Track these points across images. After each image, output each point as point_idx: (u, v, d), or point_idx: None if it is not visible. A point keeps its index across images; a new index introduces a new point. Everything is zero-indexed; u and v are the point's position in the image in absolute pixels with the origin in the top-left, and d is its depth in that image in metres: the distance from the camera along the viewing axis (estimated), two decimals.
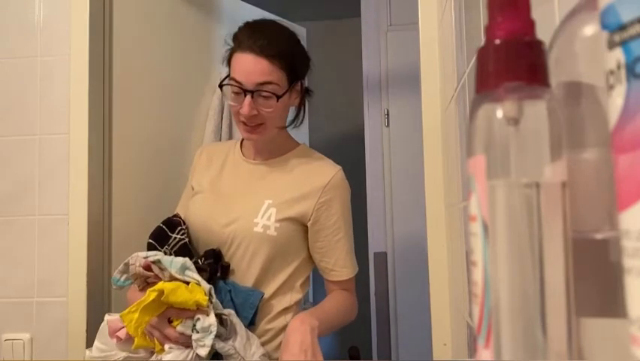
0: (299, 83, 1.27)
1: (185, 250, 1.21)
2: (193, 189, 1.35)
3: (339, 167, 1.30)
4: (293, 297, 1.26)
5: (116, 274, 1.17)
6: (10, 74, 1.53)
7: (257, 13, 2.12)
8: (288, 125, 1.32)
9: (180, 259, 1.12)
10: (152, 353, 1.12)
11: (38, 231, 1.49)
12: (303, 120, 1.34)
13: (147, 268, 1.13)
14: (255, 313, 1.19)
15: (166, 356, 1.08)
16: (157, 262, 1.12)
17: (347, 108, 3.08)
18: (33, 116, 1.52)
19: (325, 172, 1.27)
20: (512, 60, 0.35)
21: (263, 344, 1.20)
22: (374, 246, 2.44)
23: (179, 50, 1.81)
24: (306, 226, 1.26)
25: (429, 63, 1.39)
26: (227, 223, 1.24)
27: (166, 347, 1.09)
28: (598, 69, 0.31)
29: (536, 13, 0.36)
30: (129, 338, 1.13)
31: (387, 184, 2.43)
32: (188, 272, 1.11)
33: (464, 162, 0.77)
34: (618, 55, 0.27)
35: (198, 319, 1.06)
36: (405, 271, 2.37)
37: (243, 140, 1.38)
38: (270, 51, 1.18)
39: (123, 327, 1.13)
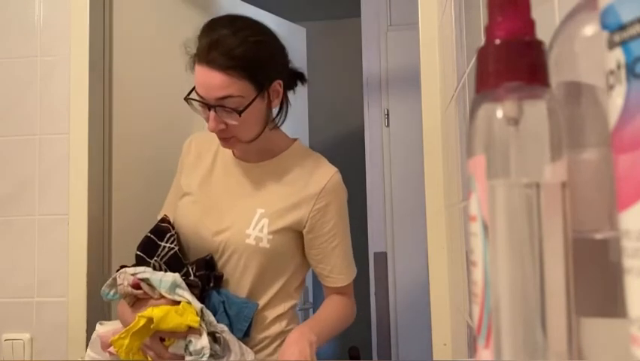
0: (275, 84, 1.16)
1: (175, 259, 1.15)
2: (182, 188, 1.28)
3: (335, 169, 1.24)
4: (288, 303, 1.23)
5: (104, 288, 1.15)
6: (11, 74, 1.53)
7: (257, 14, 2.12)
8: (267, 125, 1.20)
9: (170, 277, 1.08)
10: None
11: (38, 231, 1.49)
12: (284, 119, 1.25)
13: (136, 286, 1.09)
14: (250, 325, 1.15)
15: None
16: (146, 280, 1.09)
17: (347, 108, 3.08)
18: (33, 116, 1.52)
19: (321, 176, 1.21)
20: (512, 60, 0.35)
21: (258, 352, 1.18)
22: (374, 246, 2.44)
23: (179, 50, 1.81)
24: (301, 232, 1.21)
25: (429, 63, 1.39)
26: (218, 231, 1.18)
27: None
28: (598, 69, 0.31)
29: (536, 13, 0.36)
30: None
31: (387, 184, 2.43)
32: (178, 290, 1.08)
33: (464, 162, 0.77)
34: (618, 55, 0.27)
35: (190, 341, 1.04)
36: (405, 271, 2.37)
37: None
38: (225, 63, 1.07)
39: None
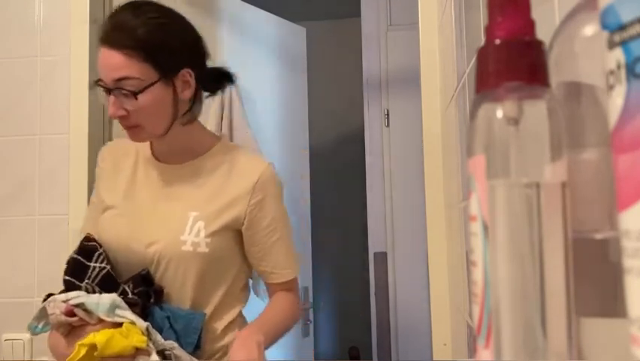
0: (184, 73, 1.09)
1: (108, 279, 1.07)
2: (103, 202, 1.18)
3: (267, 162, 1.18)
4: (235, 309, 1.18)
5: (32, 322, 1.05)
6: (11, 74, 1.53)
7: (257, 13, 2.12)
8: (176, 120, 1.12)
9: (108, 298, 1.00)
10: None
11: (38, 231, 1.49)
12: (197, 114, 1.17)
13: (70, 313, 1.00)
14: (200, 336, 1.09)
15: None
16: (80, 305, 0.99)
17: (347, 108, 3.08)
18: (33, 116, 1.52)
19: (253, 170, 1.14)
20: (512, 60, 0.35)
21: None
22: (374, 246, 2.44)
23: None
24: (240, 231, 1.15)
25: (429, 63, 1.39)
26: (150, 243, 1.09)
27: None
28: (598, 69, 0.31)
29: (536, 13, 0.36)
30: None
31: (387, 184, 2.43)
32: (118, 311, 1.00)
33: (464, 162, 0.77)
34: (618, 55, 0.27)
35: None
36: (405, 271, 2.37)
37: None
38: (123, 41, 1.03)
39: None
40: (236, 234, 1.15)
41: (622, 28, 0.26)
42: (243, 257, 1.18)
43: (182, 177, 1.16)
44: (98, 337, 0.95)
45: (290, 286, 1.21)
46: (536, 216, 0.33)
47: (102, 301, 0.99)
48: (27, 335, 1.46)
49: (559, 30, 0.40)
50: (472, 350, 1.01)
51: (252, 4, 2.09)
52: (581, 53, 0.38)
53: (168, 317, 1.06)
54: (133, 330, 0.98)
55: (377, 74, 2.46)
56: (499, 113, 0.35)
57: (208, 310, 1.12)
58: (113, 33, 1.04)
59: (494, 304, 0.34)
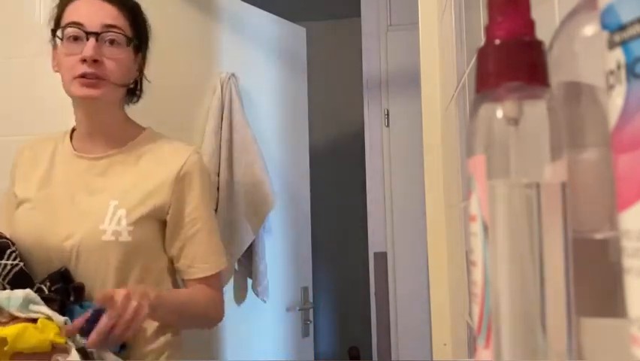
0: (140, 54, 1.14)
1: (21, 277, 1.00)
2: (16, 197, 1.12)
3: (192, 148, 1.14)
4: None
5: None
6: (10, 74, 1.53)
7: (257, 13, 2.12)
8: (126, 89, 1.14)
9: (20, 293, 0.93)
10: None
11: None
12: (139, 98, 1.19)
13: None
14: None
15: None
16: None
17: (347, 108, 3.08)
18: (33, 116, 1.52)
19: (178, 157, 1.11)
20: (512, 60, 0.35)
21: None
22: (374, 246, 2.44)
23: (179, 50, 1.81)
24: (164, 222, 1.10)
25: (429, 63, 1.39)
26: (67, 236, 1.03)
27: None
28: (598, 69, 0.31)
29: (536, 13, 0.36)
30: None
31: (387, 184, 2.43)
32: (33, 307, 0.93)
33: (464, 162, 0.77)
34: (618, 55, 0.27)
35: (57, 360, 0.89)
36: (405, 271, 2.38)
37: (73, 131, 1.17)
38: None
39: None
40: (161, 226, 1.10)
41: (622, 28, 0.26)
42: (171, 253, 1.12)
43: (103, 167, 1.11)
44: (7, 330, 0.88)
45: (211, 282, 1.12)
46: (536, 216, 0.33)
47: (14, 296, 0.92)
48: None
49: (559, 30, 0.40)
50: (472, 350, 1.01)
51: (251, 4, 2.09)
52: (581, 53, 0.38)
53: None
54: (49, 325, 0.91)
55: (377, 74, 2.46)
56: (499, 113, 0.35)
57: None
58: None
59: (494, 304, 0.34)
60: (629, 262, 0.27)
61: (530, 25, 0.36)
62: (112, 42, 1.06)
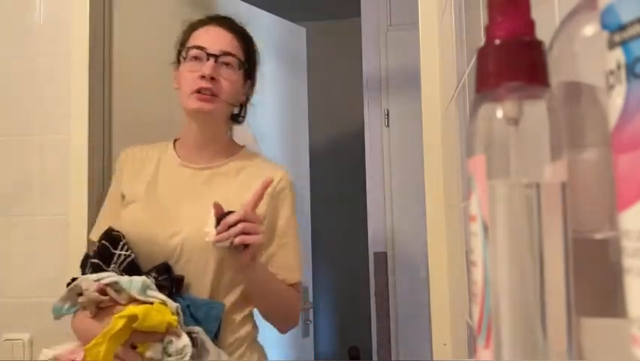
0: (250, 82, 1.28)
1: (133, 267, 1.09)
2: (124, 198, 1.23)
3: (286, 169, 1.27)
4: (250, 307, 1.22)
5: (57, 303, 1.07)
6: (10, 74, 1.53)
7: (257, 14, 2.12)
8: (231, 118, 1.28)
9: (139, 279, 1.02)
10: None
11: (38, 231, 1.49)
12: (244, 119, 1.32)
13: (102, 292, 1.02)
14: (219, 326, 1.11)
15: None
16: (112, 285, 1.02)
17: (347, 108, 3.08)
18: (33, 116, 1.52)
19: (274, 173, 1.22)
20: (512, 60, 0.35)
21: (229, 354, 1.15)
22: (374, 246, 2.44)
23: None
24: None
25: (429, 63, 1.39)
26: (173, 234, 1.14)
27: None
28: (598, 69, 0.31)
29: (536, 13, 0.36)
30: None
31: (387, 184, 2.43)
32: (149, 292, 1.01)
33: (464, 162, 0.77)
34: (618, 55, 0.27)
35: (170, 341, 0.98)
36: (405, 271, 2.37)
37: (175, 142, 1.30)
38: (235, 28, 1.24)
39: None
40: None
41: (622, 28, 0.26)
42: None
43: (206, 177, 1.23)
44: (137, 309, 0.96)
45: (293, 288, 1.24)
46: (536, 216, 0.33)
47: (135, 281, 1.01)
48: (27, 335, 1.46)
49: (559, 30, 0.40)
50: (472, 350, 1.01)
51: (252, 4, 2.09)
52: (581, 53, 0.38)
53: (189, 306, 1.08)
54: (164, 309, 0.99)
55: (377, 74, 2.46)
56: (499, 113, 0.35)
57: (228, 302, 1.16)
58: (226, 19, 1.26)
59: (494, 304, 0.34)
60: (629, 262, 0.27)
61: (530, 25, 0.36)
62: (227, 64, 1.20)
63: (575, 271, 0.34)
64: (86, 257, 1.13)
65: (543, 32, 0.37)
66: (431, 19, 1.39)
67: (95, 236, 1.21)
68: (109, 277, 1.03)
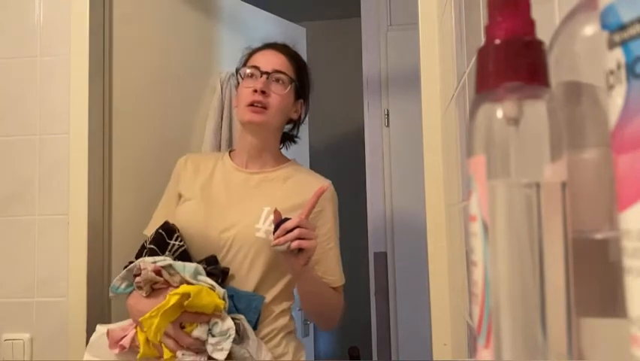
0: (301, 101, 1.40)
1: (185, 256, 1.19)
2: (180, 196, 1.35)
3: (329, 181, 1.37)
4: (289, 302, 1.31)
5: (115, 282, 1.16)
6: (10, 74, 1.53)
7: (257, 13, 2.12)
8: (284, 133, 1.42)
9: (192, 264, 1.11)
10: None
11: (38, 231, 1.49)
12: (297, 136, 1.47)
13: (157, 273, 1.11)
14: (258, 318, 1.20)
15: None
16: (167, 267, 1.11)
17: (347, 108, 3.08)
18: (33, 116, 1.52)
19: (319, 183, 1.29)
20: (512, 60, 0.35)
21: (265, 343, 1.21)
22: (374, 246, 2.44)
23: (179, 50, 1.81)
24: None
25: (429, 63, 1.39)
26: (225, 229, 1.24)
27: (179, 353, 1.07)
28: (598, 69, 0.31)
29: (536, 13, 0.36)
30: (131, 348, 1.12)
31: (387, 184, 2.42)
32: (200, 277, 1.10)
33: (464, 162, 0.77)
34: (618, 55, 0.27)
35: (216, 323, 1.06)
36: (405, 271, 2.37)
37: (231, 152, 1.42)
38: (288, 51, 1.38)
39: (125, 336, 1.12)
40: None
41: (622, 28, 0.26)
42: None
43: (257, 181, 1.34)
44: (190, 288, 1.04)
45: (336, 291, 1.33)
46: (536, 216, 0.33)
47: (187, 265, 1.10)
48: (27, 335, 1.46)
49: (559, 30, 0.40)
50: (472, 350, 1.01)
51: (252, 4, 2.09)
52: (581, 53, 0.38)
53: (232, 296, 1.15)
54: (213, 294, 1.07)
55: (377, 74, 2.46)
56: (499, 114, 0.35)
57: (269, 296, 1.24)
58: (281, 45, 1.39)
59: (494, 304, 0.34)
60: (629, 262, 0.27)
61: (530, 25, 0.36)
62: (277, 80, 1.32)
63: (575, 271, 0.34)
64: (143, 246, 1.21)
65: (543, 32, 0.37)
66: (431, 19, 1.39)
67: (150, 231, 1.30)
68: (164, 260, 1.11)
